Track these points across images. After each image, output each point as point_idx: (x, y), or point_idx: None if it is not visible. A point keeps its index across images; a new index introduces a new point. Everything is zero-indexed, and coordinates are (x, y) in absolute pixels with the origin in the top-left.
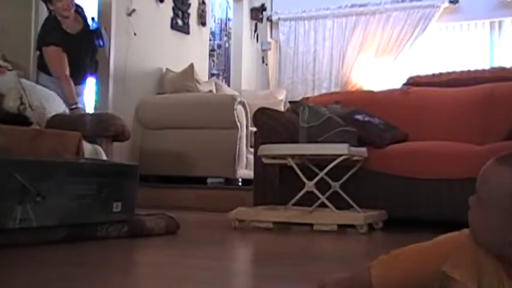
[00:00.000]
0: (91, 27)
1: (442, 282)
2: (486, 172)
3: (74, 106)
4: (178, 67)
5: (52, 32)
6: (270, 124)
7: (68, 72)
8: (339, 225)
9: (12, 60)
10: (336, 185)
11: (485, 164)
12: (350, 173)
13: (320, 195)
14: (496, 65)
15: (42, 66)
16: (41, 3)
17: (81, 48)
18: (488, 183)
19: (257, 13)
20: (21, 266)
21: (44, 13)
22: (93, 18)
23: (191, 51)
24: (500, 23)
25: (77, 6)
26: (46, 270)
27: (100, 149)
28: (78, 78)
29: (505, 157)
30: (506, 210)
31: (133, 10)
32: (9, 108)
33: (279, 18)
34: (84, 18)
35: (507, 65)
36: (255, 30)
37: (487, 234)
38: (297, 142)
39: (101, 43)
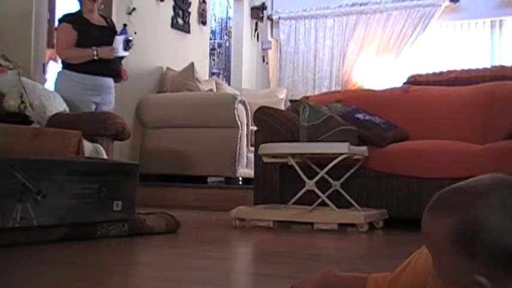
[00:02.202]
0: (120, 33)
1: None
2: (423, 225)
3: (94, 53)
4: (178, 66)
5: (69, 15)
6: (271, 123)
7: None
8: (340, 224)
9: (13, 59)
10: (336, 184)
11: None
12: (350, 172)
13: (321, 194)
14: (496, 63)
15: (64, 64)
16: (41, 1)
17: (98, 37)
18: (428, 236)
19: (257, 12)
20: (21, 265)
21: (45, 12)
22: (125, 25)
23: (191, 50)
24: (501, 22)
25: (108, 20)
26: (45, 270)
27: (100, 147)
28: (93, 67)
29: (435, 206)
30: (454, 256)
31: (134, 9)
32: (9, 107)
33: (279, 17)
34: (112, 27)
35: (508, 64)
36: (256, 29)
37: (451, 279)
38: (297, 141)
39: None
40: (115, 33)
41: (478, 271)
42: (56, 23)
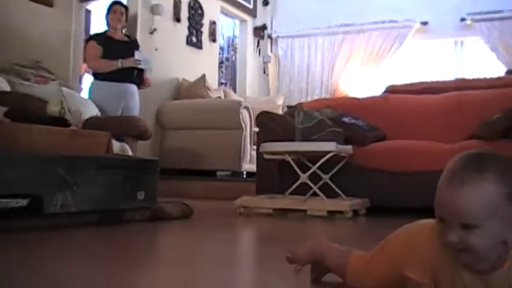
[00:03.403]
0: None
1: (404, 283)
2: (455, 204)
3: (119, 63)
4: (192, 77)
5: (95, 34)
6: (270, 125)
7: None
8: (329, 211)
9: (55, 71)
10: (326, 177)
11: (451, 194)
12: (338, 166)
13: (313, 186)
14: (459, 76)
15: (94, 75)
16: (79, 23)
17: (120, 50)
18: (464, 210)
19: (259, 31)
20: (55, 247)
21: (82, 33)
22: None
23: (203, 64)
24: (462, 41)
25: (131, 37)
26: (76, 251)
27: (126, 146)
28: (118, 76)
29: (463, 178)
30: (504, 213)
31: (155, 29)
32: (52, 112)
33: (278, 36)
34: (133, 43)
35: (468, 77)
36: (258, 46)
37: (488, 247)
38: (293, 141)
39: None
40: (137, 47)
41: None
42: None
